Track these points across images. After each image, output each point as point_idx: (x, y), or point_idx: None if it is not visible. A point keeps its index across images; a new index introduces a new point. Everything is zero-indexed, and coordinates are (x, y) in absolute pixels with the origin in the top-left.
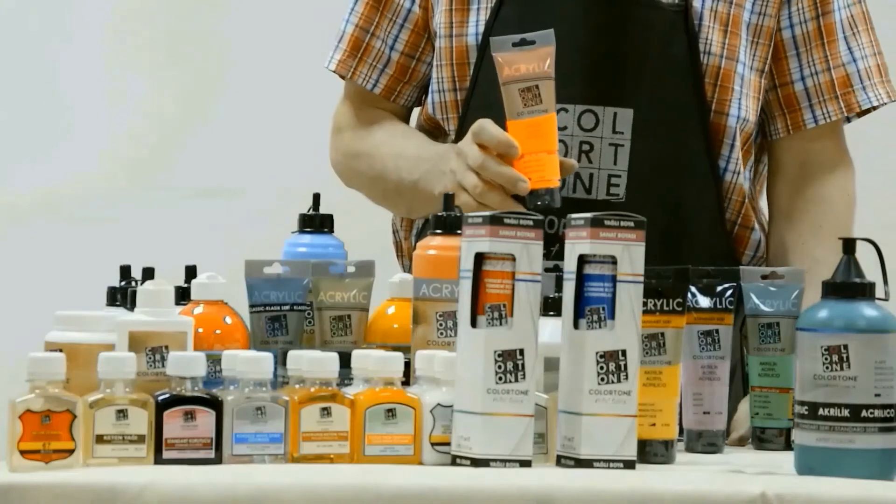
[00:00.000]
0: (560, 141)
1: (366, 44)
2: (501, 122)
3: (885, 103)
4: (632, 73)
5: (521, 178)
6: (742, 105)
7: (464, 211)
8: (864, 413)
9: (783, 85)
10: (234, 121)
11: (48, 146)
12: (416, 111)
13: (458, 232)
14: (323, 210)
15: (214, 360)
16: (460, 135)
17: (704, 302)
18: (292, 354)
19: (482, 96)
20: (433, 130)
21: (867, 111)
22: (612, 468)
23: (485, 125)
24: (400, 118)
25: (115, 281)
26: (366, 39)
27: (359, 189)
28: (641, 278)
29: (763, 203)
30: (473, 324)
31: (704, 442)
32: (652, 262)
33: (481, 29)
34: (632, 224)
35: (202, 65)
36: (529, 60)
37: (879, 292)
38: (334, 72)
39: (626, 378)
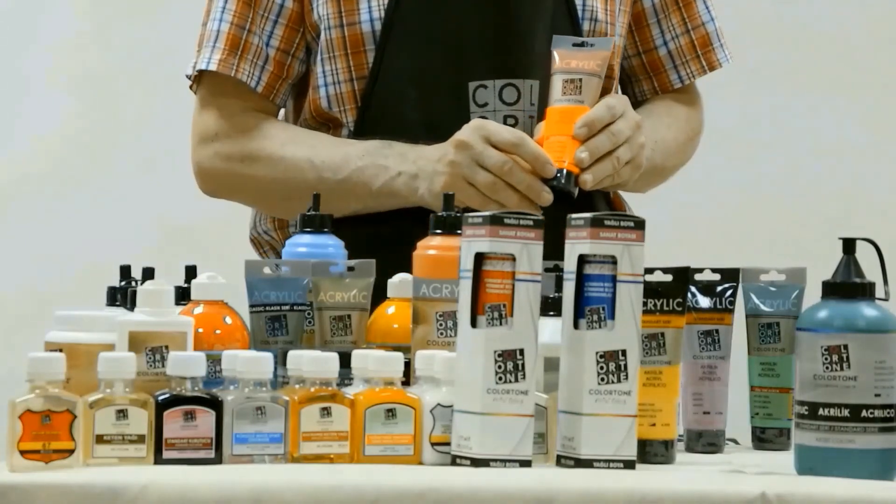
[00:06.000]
0: (482, 118)
1: (244, 41)
2: (412, 109)
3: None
4: (531, 46)
5: (549, 161)
6: (618, 69)
7: (468, 204)
8: (864, 413)
9: (647, 51)
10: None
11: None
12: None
13: (458, 232)
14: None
15: (214, 360)
16: (360, 125)
17: (704, 302)
18: (292, 354)
19: (388, 84)
20: (319, 126)
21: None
22: (612, 468)
23: (526, 140)
24: (274, 118)
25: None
26: (243, 36)
27: (239, 195)
28: (641, 278)
29: None
30: (473, 324)
31: (704, 442)
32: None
33: (376, 15)
34: (632, 224)
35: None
36: (582, 59)
37: (879, 292)
38: (214, 72)
39: (626, 378)
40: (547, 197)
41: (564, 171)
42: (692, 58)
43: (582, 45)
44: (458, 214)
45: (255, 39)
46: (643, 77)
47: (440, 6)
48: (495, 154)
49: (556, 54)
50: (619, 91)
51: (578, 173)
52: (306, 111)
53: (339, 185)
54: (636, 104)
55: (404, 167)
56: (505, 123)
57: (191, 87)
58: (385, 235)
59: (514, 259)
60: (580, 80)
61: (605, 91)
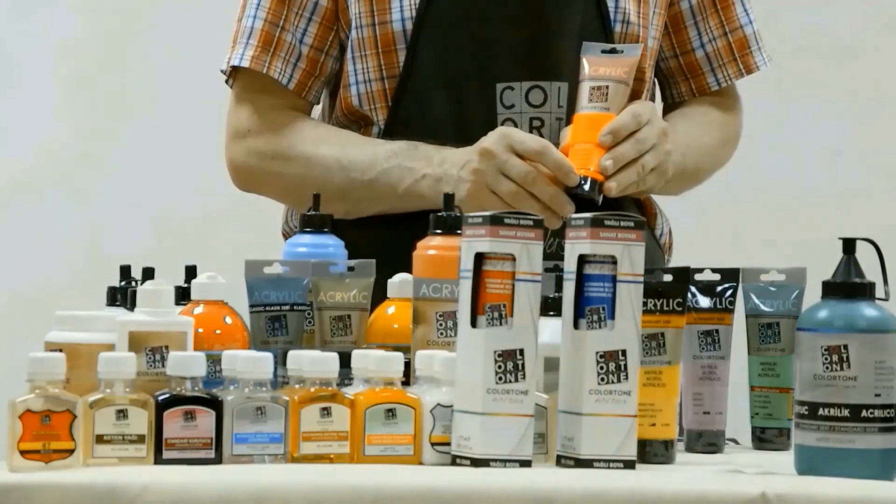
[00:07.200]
0: (509, 119)
1: (277, 38)
2: (441, 109)
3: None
4: (559, 48)
5: (572, 170)
6: (650, 72)
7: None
8: (864, 413)
9: (684, 53)
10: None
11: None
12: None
13: (458, 232)
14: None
15: (214, 360)
16: (391, 124)
17: (704, 302)
18: (292, 354)
19: (418, 84)
20: (350, 124)
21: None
22: (612, 468)
23: (550, 148)
24: (308, 115)
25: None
26: (276, 34)
27: (271, 192)
28: (641, 278)
29: None
30: (473, 324)
31: (704, 442)
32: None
33: (407, 14)
34: (632, 224)
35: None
36: (610, 66)
37: (879, 292)
38: (248, 68)
39: (626, 378)
40: (569, 208)
41: (589, 179)
42: (729, 60)
43: (611, 51)
44: (458, 214)
45: (289, 37)
46: (680, 79)
47: (471, 7)
48: (519, 163)
49: (584, 61)
50: (653, 94)
51: (603, 181)
52: (337, 109)
53: (367, 186)
54: (674, 106)
55: (429, 170)
56: (531, 126)
57: (227, 83)
58: (387, 237)
59: (514, 259)
60: (607, 87)
61: (635, 94)
